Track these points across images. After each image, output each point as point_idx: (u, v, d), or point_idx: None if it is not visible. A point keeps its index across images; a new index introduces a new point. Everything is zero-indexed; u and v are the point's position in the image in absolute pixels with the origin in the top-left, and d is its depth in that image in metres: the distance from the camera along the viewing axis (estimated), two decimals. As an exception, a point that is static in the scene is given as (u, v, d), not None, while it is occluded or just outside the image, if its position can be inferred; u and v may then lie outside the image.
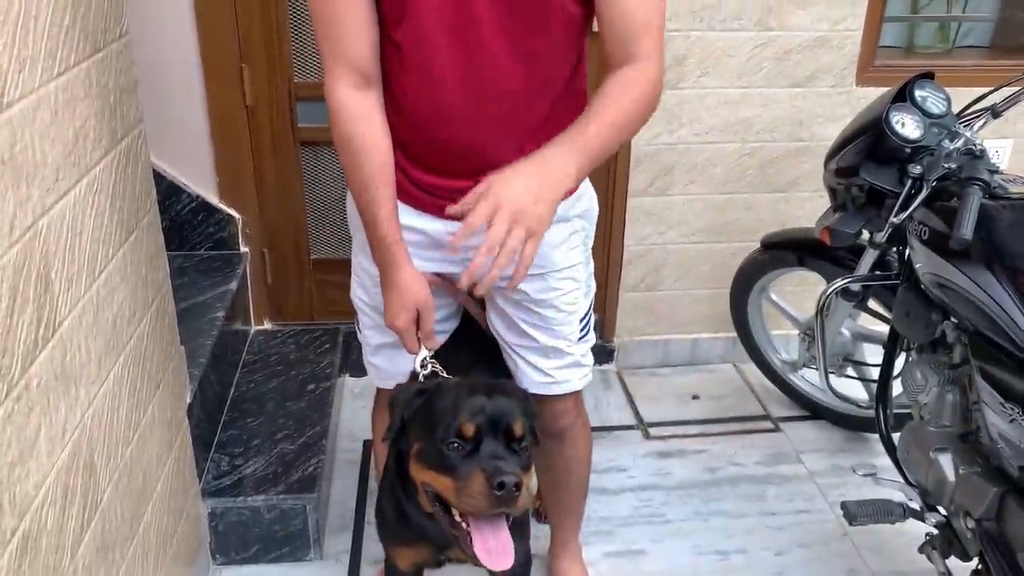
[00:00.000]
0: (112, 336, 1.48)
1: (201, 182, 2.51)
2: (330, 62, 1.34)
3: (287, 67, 2.42)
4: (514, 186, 1.18)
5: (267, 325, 2.72)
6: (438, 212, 1.44)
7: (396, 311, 1.44)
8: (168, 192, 2.45)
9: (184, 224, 2.53)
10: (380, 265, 1.44)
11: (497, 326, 1.62)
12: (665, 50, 2.43)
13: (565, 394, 1.66)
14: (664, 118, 2.51)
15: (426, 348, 1.45)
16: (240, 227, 2.57)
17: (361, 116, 1.36)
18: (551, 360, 1.61)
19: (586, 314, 1.63)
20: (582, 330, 1.63)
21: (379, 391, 1.79)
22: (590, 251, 1.63)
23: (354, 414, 2.58)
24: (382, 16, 1.33)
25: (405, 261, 1.43)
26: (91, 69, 1.41)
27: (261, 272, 2.66)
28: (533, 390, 1.59)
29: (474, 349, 1.65)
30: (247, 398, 2.37)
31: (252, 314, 2.69)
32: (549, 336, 1.58)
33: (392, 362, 1.63)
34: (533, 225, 1.17)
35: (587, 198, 1.58)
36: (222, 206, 2.54)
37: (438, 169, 1.43)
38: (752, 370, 2.75)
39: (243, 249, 2.60)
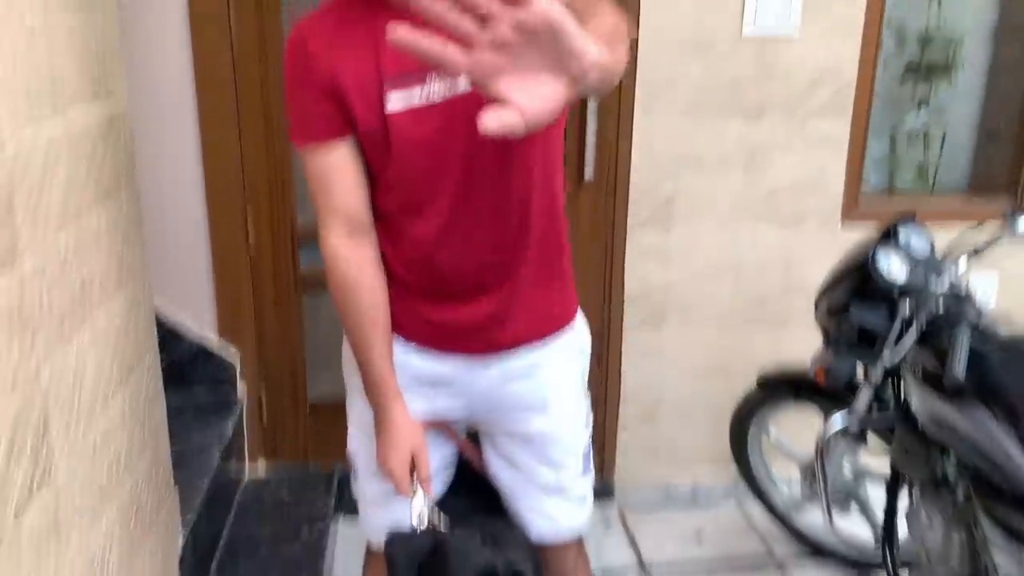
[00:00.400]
0: (107, 482, 1.47)
1: (202, 324, 2.54)
2: (323, 213, 1.40)
3: (291, 209, 2.50)
4: None
5: (262, 467, 2.69)
6: (440, 347, 1.48)
7: (387, 452, 1.44)
8: (169, 334, 2.47)
9: (183, 366, 2.54)
10: (374, 407, 1.46)
11: (498, 469, 1.60)
12: (653, 193, 2.52)
13: (567, 543, 1.63)
14: (656, 258, 2.58)
15: (424, 495, 1.43)
16: (238, 369, 2.58)
17: (353, 261, 1.41)
18: (553, 499, 1.59)
19: (586, 447, 1.63)
20: (584, 464, 1.62)
21: (369, 552, 1.72)
22: (586, 382, 1.64)
23: (348, 559, 2.51)
24: (369, 164, 1.39)
25: (398, 402, 1.44)
26: (100, 219, 1.46)
27: (257, 414, 2.65)
28: (541, 539, 1.57)
29: (472, 495, 1.63)
30: (240, 542, 2.31)
31: (247, 456, 2.66)
32: (552, 471, 1.57)
33: (390, 513, 1.56)
34: None
35: (583, 332, 1.61)
36: (222, 348, 2.56)
37: (439, 298, 1.46)
38: (756, 509, 2.70)
39: (240, 391, 2.60)
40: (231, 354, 2.57)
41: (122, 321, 1.56)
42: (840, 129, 2.52)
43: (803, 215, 2.58)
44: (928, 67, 2.75)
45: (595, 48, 0.90)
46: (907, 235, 1.95)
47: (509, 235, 1.42)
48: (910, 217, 2.02)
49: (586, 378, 1.64)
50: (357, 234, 1.41)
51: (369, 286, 1.42)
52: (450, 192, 1.36)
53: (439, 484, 1.59)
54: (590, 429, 1.65)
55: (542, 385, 1.52)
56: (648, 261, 2.58)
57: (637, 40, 2.38)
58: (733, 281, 2.63)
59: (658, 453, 2.78)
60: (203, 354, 2.55)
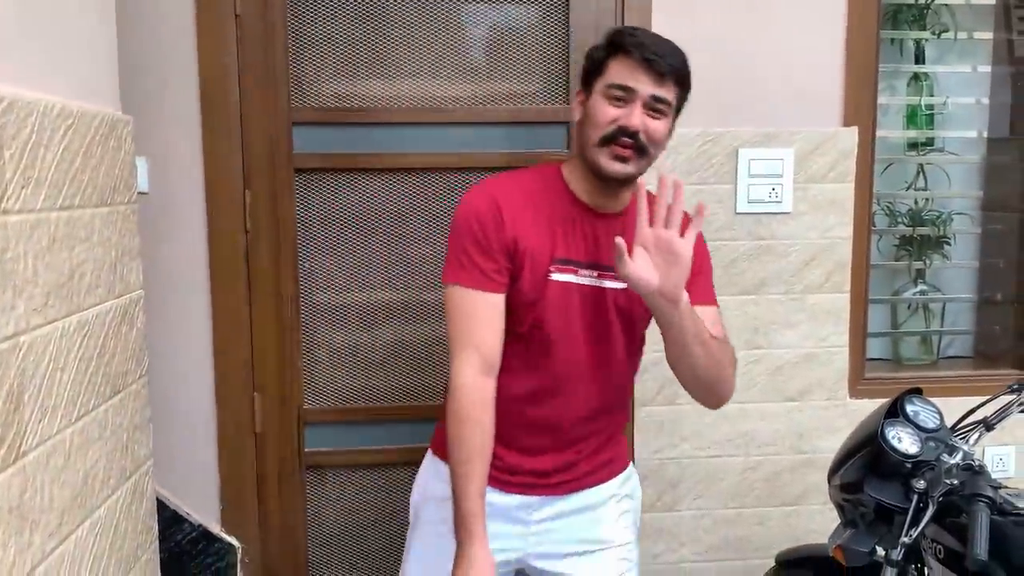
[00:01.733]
0: None
1: (204, 510, 2.49)
2: (460, 347, 1.57)
3: (298, 394, 2.51)
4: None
5: (261, 663, 2.56)
6: (512, 489, 1.68)
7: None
8: (170, 521, 2.42)
9: (183, 554, 2.47)
10: (458, 539, 1.53)
11: None
12: (660, 369, 2.52)
13: None
14: (665, 432, 2.55)
15: None
16: (240, 556, 2.51)
17: (478, 397, 1.56)
18: None
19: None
20: None
21: None
22: (639, 532, 1.83)
23: None
24: (512, 307, 1.62)
25: (483, 538, 1.53)
26: (108, 411, 1.47)
27: (258, 604, 2.55)
28: None
29: None
30: None
31: (246, 652, 2.53)
32: None
33: None
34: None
35: (635, 480, 1.84)
36: (223, 535, 2.50)
37: (521, 448, 1.66)
38: None
39: (241, 580, 2.51)
40: (233, 540, 2.50)
41: (123, 512, 1.53)
42: (840, 303, 2.56)
43: (810, 388, 2.58)
44: (921, 241, 2.83)
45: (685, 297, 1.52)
46: (915, 409, 1.94)
47: (606, 399, 1.69)
48: (916, 391, 2.01)
49: (638, 527, 1.83)
50: (486, 374, 1.57)
51: (488, 425, 1.56)
52: (571, 358, 1.63)
53: None
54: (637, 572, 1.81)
55: (598, 527, 1.72)
56: (659, 435, 2.55)
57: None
58: (744, 456, 2.59)
59: (677, 641, 2.64)
60: (204, 541, 2.48)
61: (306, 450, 2.54)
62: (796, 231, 2.51)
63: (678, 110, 1.64)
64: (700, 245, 1.65)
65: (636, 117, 1.54)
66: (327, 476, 2.59)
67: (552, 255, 1.61)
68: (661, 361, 2.50)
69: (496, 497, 1.66)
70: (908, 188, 2.82)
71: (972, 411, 1.98)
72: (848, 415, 2.54)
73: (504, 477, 1.67)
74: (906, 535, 1.72)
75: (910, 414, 1.92)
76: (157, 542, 1.75)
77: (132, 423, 1.58)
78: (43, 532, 1.21)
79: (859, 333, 2.60)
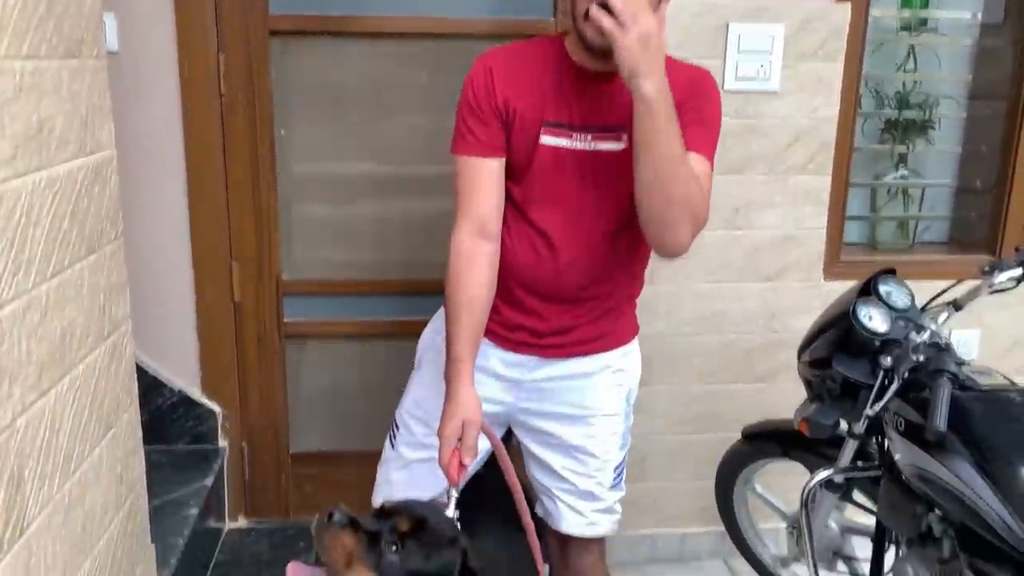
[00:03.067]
0: (81, 538, 1.44)
1: (184, 376, 2.52)
2: (459, 214, 1.64)
3: (276, 264, 2.50)
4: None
5: (241, 522, 2.65)
6: (509, 346, 1.74)
7: (445, 422, 1.57)
8: (150, 386, 2.45)
9: (164, 418, 2.52)
10: (447, 380, 1.61)
11: (535, 472, 1.84)
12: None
13: (595, 538, 1.86)
14: (641, 311, 2.58)
15: (466, 462, 1.54)
16: (220, 421, 2.56)
17: (469, 255, 1.63)
18: (588, 503, 1.82)
19: (620, 464, 1.85)
20: (615, 479, 1.84)
21: None
22: (631, 407, 1.86)
23: (329, 618, 2.46)
24: (507, 171, 1.64)
25: (468, 381, 1.60)
26: (84, 270, 1.46)
27: (239, 467, 2.61)
28: (569, 531, 1.83)
29: (494, 502, 1.68)
30: (217, 602, 2.26)
31: (227, 511, 2.62)
32: (585, 481, 1.80)
33: (412, 481, 1.76)
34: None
35: (636, 356, 1.87)
36: (203, 400, 2.54)
37: (519, 305, 1.70)
38: (743, 565, 2.66)
39: (221, 444, 2.57)
40: (213, 406, 2.54)
41: (102, 372, 1.54)
42: (821, 185, 2.56)
43: (786, 269, 2.61)
44: (906, 125, 2.80)
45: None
46: (887, 289, 1.97)
47: (604, 267, 1.69)
48: (890, 271, 2.03)
49: (631, 402, 1.86)
50: (481, 237, 1.63)
51: (476, 279, 1.62)
52: (566, 223, 1.64)
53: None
54: (625, 452, 1.87)
55: (588, 395, 1.77)
56: (633, 314, 2.58)
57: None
58: (718, 334, 2.64)
59: (644, 508, 2.75)
60: (185, 405, 2.52)
61: (285, 320, 2.55)
62: (783, 110, 2.48)
63: None
64: (707, 92, 1.64)
65: None
66: (306, 346, 2.62)
67: (542, 118, 1.60)
68: (640, 239, 2.52)
69: (493, 352, 1.73)
70: (898, 70, 2.78)
71: (943, 292, 2.01)
72: (822, 296, 2.57)
73: (503, 332, 1.72)
74: (870, 409, 1.77)
75: (882, 293, 1.95)
76: (137, 404, 1.76)
77: (109, 284, 1.57)
78: (22, 385, 1.22)
79: (838, 216, 2.61)
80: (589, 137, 1.61)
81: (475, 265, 1.63)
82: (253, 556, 2.49)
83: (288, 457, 2.65)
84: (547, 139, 1.61)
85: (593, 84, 1.60)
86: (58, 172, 1.36)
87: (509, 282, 1.69)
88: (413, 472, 1.80)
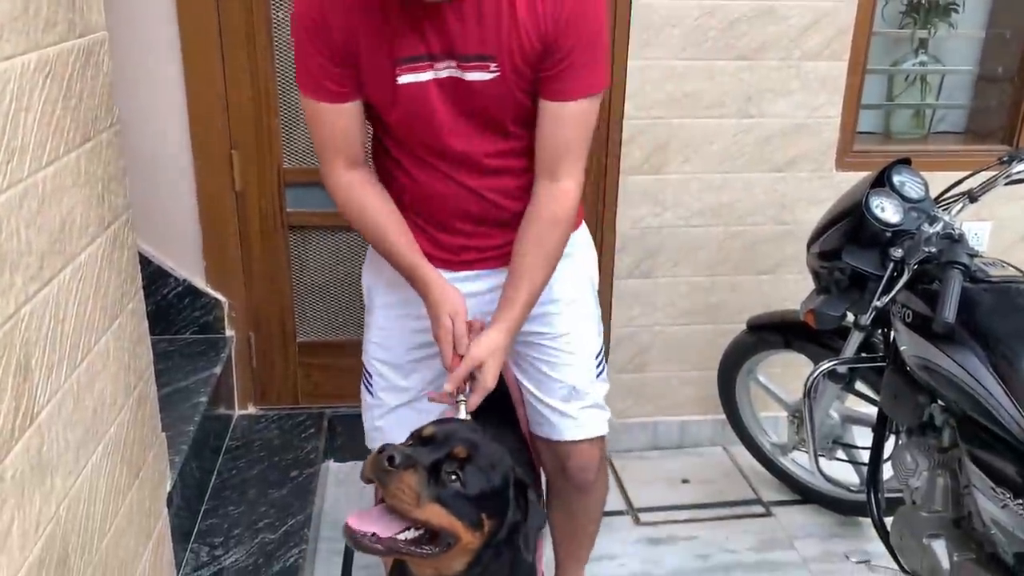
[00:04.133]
0: (91, 425, 1.46)
1: (188, 266, 2.51)
2: (324, 153, 1.56)
3: (277, 153, 2.45)
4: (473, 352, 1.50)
5: (251, 410, 2.69)
6: (459, 267, 1.64)
7: (434, 323, 1.54)
8: (154, 276, 2.45)
9: (170, 308, 2.52)
10: (418, 292, 1.57)
11: (518, 374, 1.76)
12: (647, 137, 2.49)
13: (591, 439, 1.76)
14: (648, 202, 2.55)
15: (460, 351, 1.51)
16: (226, 311, 2.56)
17: (355, 185, 1.56)
18: (572, 403, 1.72)
19: (599, 353, 1.76)
20: (598, 367, 1.76)
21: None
22: (595, 289, 1.78)
23: (337, 501, 2.53)
24: (370, 107, 1.53)
25: (435, 278, 1.56)
26: (80, 158, 1.42)
27: (246, 356, 2.64)
28: (558, 436, 1.74)
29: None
30: (229, 485, 2.32)
31: (236, 399, 2.66)
32: (567, 374, 1.71)
33: (401, 424, 1.65)
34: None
35: (581, 241, 1.73)
36: (208, 290, 2.54)
37: (438, 225, 1.62)
38: (742, 453, 2.72)
39: (228, 333, 2.58)
40: (219, 296, 2.55)
41: (105, 261, 1.53)
42: (837, 71, 2.48)
43: (797, 159, 2.55)
44: (928, 8, 2.69)
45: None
46: (901, 180, 1.93)
47: (507, 186, 1.57)
48: (904, 162, 1.99)
49: (595, 285, 1.78)
50: (354, 166, 1.56)
51: (372, 195, 1.57)
52: (449, 153, 1.53)
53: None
54: (602, 338, 1.78)
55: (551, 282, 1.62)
56: (642, 204, 2.55)
57: (631, -23, 2.32)
58: (725, 226, 2.61)
59: (647, 397, 2.79)
60: (190, 296, 2.52)
61: (287, 210, 2.53)
62: (800, -7, 2.38)
63: None
64: (578, 5, 1.41)
65: None
66: (309, 235, 2.60)
67: (394, 56, 1.43)
68: (649, 128, 2.47)
69: (446, 276, 1.61)
70: (923, -51, 2.65)
71: (958, 183, 1.97)
72: (833, 187, 2.53)
73: (448, 256, 1.63)
74: (878, 300, 1.77)
75: (896, 184, 1.91)
76: (142, 293, 1.76)
77: (107, 172, 1.54)
78: (24, 274, 1.21)
79: (852, 104, 2.54)
80: (454, 64, 1.44)
81: (366, 189, 1.56)
82: (264, 442, 2.54)
83: (295, 345, 2.67)
84: (406, 77, 1.45)
85: (449, 7, 1.39)
86: (48, 54, 1.30)
87: (439, 214, 1.60)
88: (400, 416, 1.72)
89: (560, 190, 1.52)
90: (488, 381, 1.49)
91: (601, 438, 1.80)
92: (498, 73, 1.44)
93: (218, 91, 2.35)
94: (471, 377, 1.50)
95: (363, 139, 1.56)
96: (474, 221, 1.60)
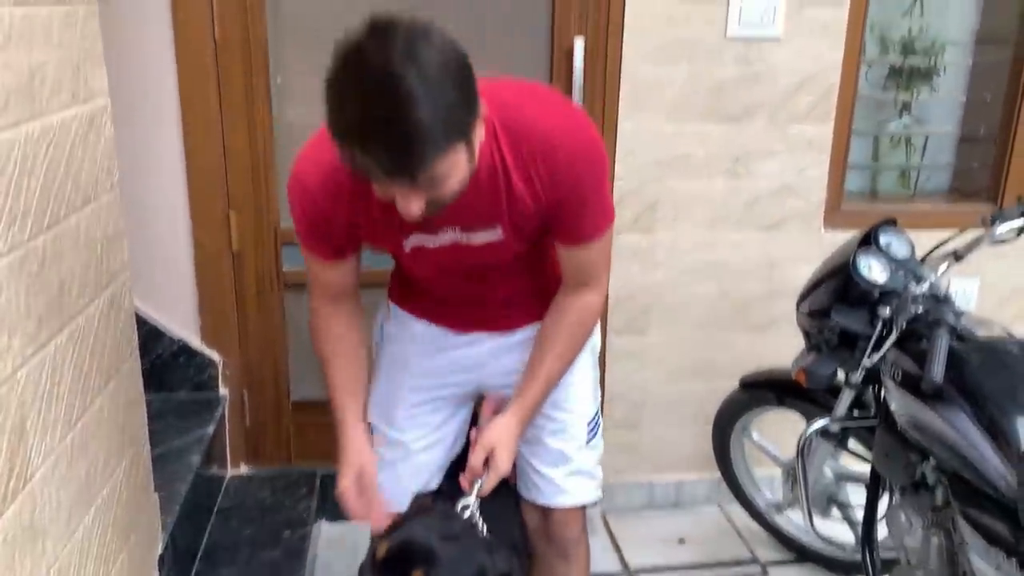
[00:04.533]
0: (84, 487, 1.46)
1: (184, 325, 2.52)
2: (314, 289, 1.63)
3: (274, 212, 2.49)
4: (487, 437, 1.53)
5: (243, 469, 2.68)
6: (461, 329, 1.69)
7: (340, 479, 1.57)
8: (150, 335, 2.46)
9: (164, 367, 2.53)
10: (337, 437, 1.61)
11: None
12: (637, 197, 2.53)
13: (573, 507, 1.74)
14: (639, 260, 2.58)
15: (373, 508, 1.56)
16: (220, 369, 2.57)
17: (326, 316, 1.64)
18: (560, 468, 1.71)
19: (594, 417, 1.75)
20: (590, 432, 1.74)
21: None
22: (596, 357, 1.78)
23: (329, 563, 2.50)
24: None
25: (352, 436, 1.60)
26: (80, 221, 1.45)
27: (240, 414, 2.63)
28: (542, 501, 1.73)
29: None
30: (221, 546, 2.30)
31: (229, 458, 2.64)
32: (557, 439, 1.70)
33: (400, 480, 1.70)
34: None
35: None
36: (204, 348, 2.54)
37: (462, 308, 1.68)
38: (738, 511, 2.71)
39: (222, 391, 2.58)
40: (213, 355, 2.55)
41: (102, 323, 1.54)
42: (823, 133, 2.53)
43: (786, 219, 2.60)
44: (910, 72, 2.77)
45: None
46: (887, 240, 1.96)
47: (511, 294, 1.66)
48: (890, 222, 2.03)
49: (596, 352, 1.78)
50: (336, 302, 1.63)
51: (336, 334, 1.64)
52: (453, 291, 1.64)
53: (442, 450, 1.75)
54: (598, 404, 1.78)
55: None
56: (633, 263, 2.58)
57: (621, 42, 2.38)
58: (716, 284, 2.64)
59: (642, 455, 2.79)
60: (185, 355, 2.53)
61: (284, 269, 2.55)
62: (785, 57, 2.44)
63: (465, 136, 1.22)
64: (574, 168, 1.39)
65: (413, 206, 1.24)
66: (305, 295, 2.61)
67: (400, 230, 1.45)
68: (639, 188, 2.51)
69: (450, 335, 1.68)
70: (904, 15, 2.73)
71: (944, 243, 2.01)
72: (822, 246, 2.56)
73: (453, 321, 1.68)
74: (868, 359, 1.78)
75: (883, 243, 1.94)
76: (138, 353, 1.77)
77: (106, 234, 1.56)
78: (22, 337, 1.22)
79: (839, 164, 2.59)
80: (458, 229, 1.45)
81: (331, 322, 1.63)
82: (256, 502, 2.52)
83: (289, 404, 2.67)
84: (411, 241, 1.48)
85: None
86: (51, 121, 1.34)
87: (452, 305, 1.67)
88: (397, 471, 1.72)
89: (584, 302, 1.57)
90: (501, 466, 1.50)
91: (582, 511, 1.79)
92: (503, 236, 1.46)
93: (217, 153, 2.39)
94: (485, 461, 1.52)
95: (354, 282, 1.62)
96: (485, 306, 1.66)
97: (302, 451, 2.70)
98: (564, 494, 1.72)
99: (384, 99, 1.11)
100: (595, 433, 1.76)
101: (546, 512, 1.75)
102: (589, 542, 1.85)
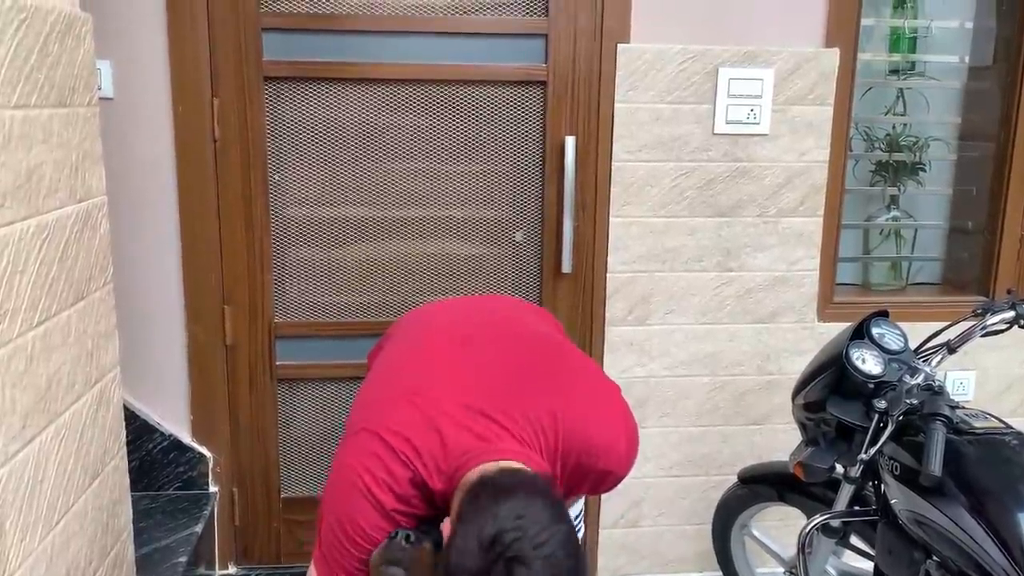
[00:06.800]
0: (63, 589, 1.42)
1: (175, 421, 2.50)
2: None
3: (268, 307, 2.50)
4: None
5: (232, 570, 2.61)
6: None
7: None
8: (140, 431, 2.43)
9: (154, 464, 2.49)
10: None
11: None
12: (630, 289, 2.55)
13: None
14: (634, 352, 2.58)
15: None
16: (211, 466, 2.53)
17: None
18: None
19: (580, 513, 1.71)
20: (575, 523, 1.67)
21: None
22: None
23: (319, 668, 2.41)
24: None
25: None
26: (71, 317, 1.45)
27: (229, 513, 2.58)
28: None
29: None
30: (205, 652, 2.22)
31: (217, 558, 2.58)
32: None
33: None
34: None
35: None
36: (194, 445, 2.51)
37: None
38: (740, 612, 2.62)
39: (212, 489, 2.54)
40: (204, 451, 2.52)
41: (89, 419, 1.53)
42: (813, 227, 2.57)
43: (779, 310, 2.61)
44: (897, 167, 2.82)
45: None
46: (880, 331, 1.96)
47: None
48: (883, 313, 2.03)
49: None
50: None
51: None
52: None
53: None
54: (581, 505, 1.72)
55: None
56: (628, 356, 2.58)
57: (612, 139, 2.44)
58: (711, 376, 2.63)
59: (640, 554, 2.72)
60: (175, 451, 2.50)
61: (277, 363, 2.54)
62: (773, 153, 2.50)
63: None
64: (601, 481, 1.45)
65: None
66: (297, 388, 2.60)
67: None
68: (632, 281, 2.53)
69: None
70: (887, 113, 2.80)
71: (936, 334, 2.01)
72: (816, 338, 2.57)
73: None
74: (865, 452, 1.76)
75: (875, 336, 1.94)
76: (125, 450, 1.75)
77: (97, 330, 1.56)
78: (5, 434, 1.21)
79: (830, 257, 2.62)
80: None
81: None
82: (243, 604, 2.45)
83: (280, 502, 2.62)
84: None
85: None
86: (47, 220, 1.35)
87: None
88: None
89: None
90: None
91: None
92: None
93: (213, 248, 2.42)
94: None
95: None
96: None
97: (292, 550, 2.64)
98: None
99: None
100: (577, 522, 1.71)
101: None
102: None
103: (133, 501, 1.81)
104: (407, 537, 1.19)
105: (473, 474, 1.28)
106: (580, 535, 1.72)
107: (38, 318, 1.32)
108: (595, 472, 1.39)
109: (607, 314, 2.55)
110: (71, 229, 1.45)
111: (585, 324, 2.57)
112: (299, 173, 2.46)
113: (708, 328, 2.59)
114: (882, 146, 2.81)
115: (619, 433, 1.41)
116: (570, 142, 2.42)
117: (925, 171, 2.83)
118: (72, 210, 1.45)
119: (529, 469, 1.29)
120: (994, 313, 1.90)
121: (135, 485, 1.81)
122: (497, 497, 1.18)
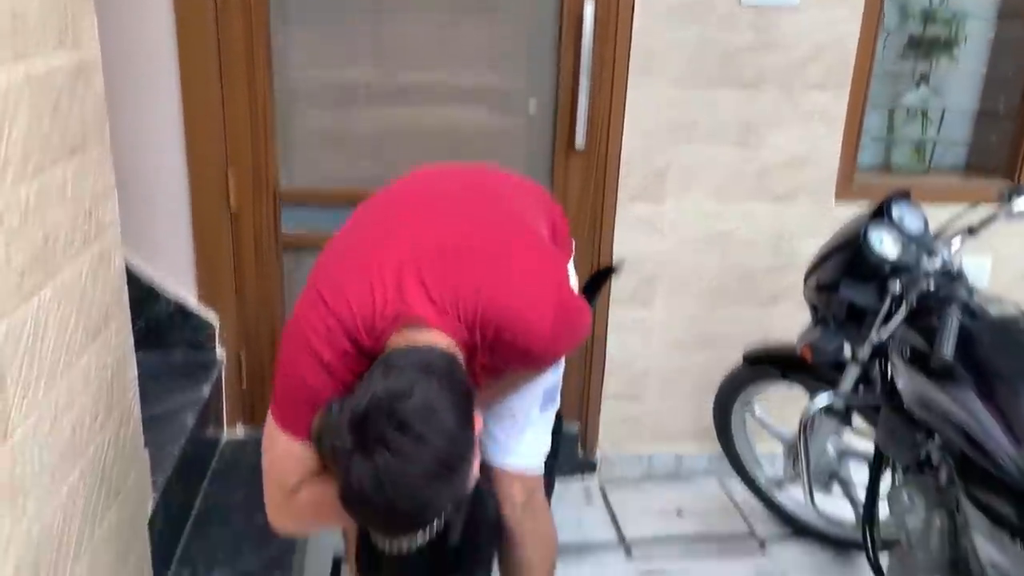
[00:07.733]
0: (69, 445, 1.43)
1: (181, 285, 2.49)
2: (274, 489, 1.50)
3: (273, 172, 2.44)
4: None
5: (239, 431, 2.66)
6: None
7: None
8: (146, 294, 2.42)
9: (160, 326, 2.50)
10: None
11: None
12: (645, 165, 2.48)
13: (511, 474, 1.69)
14: (645, 230, 2.53)
15: None
16: (217, 330, 2.54)
17: (292, 495, 1.48)
18: (505, 426, 1.67)
19: (553, 386, 1.70)
20: (545, 395, 1.69)
21: None
22: (559, 374, 1.72)
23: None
24: None
25: None
26: (67, 173, 1.40)
27: (236, 376, 2.61)
28: (488, 460, 1.67)
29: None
30: (213, 508, 2.28)
31: (224, 420, 2.62)
32: (510, 400, 1.65)
33: None
34: None
35: None
36: (200, 309, 2.51)
37: None
38: (737, 485, 2.68)
39: (219, 352, 2.55)
40: (210, 315, 2.52)
41: (89, 279, 1.51)
42: (837, 104, 2.47)
43: (796, 190, 2.54)
44: (930, 43, 2.69)
45: None
46: (900, 213, 1.91)
47: None
48: (904, 195, 1.97)
49: (560, 373, 1.71)
50: (292, 494, 1.47)
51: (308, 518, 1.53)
52: None
53: None
54: (560, 371, 1.71)
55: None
56: (638, 232, 2.53)
57: (633, 6, 2.32)
58: (722, 255, 2.59)
59: (641, 427, 2.76)
60: (181, 314, 2.50)
61: (282, 231, 2.51)
62: (801, 25, 2.37)
63: None
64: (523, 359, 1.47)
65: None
66: (304, 257, 2.57)
67: None
68: (646, 156, 2.45)
69: None
70: (925, -16, 2.65)
71: (957, 217, 1.95)
72: (833, 219, 2.50)
73: None
74: (876, 335, 1.74)
75: (895, 217, 1.89)
76: (128, 311, 1.73)
77: (94, 189, 1.52)
78: (3, 290, 1.18)
79: (853, 136, 2.53)
80: None
81: (298, 512, 1.51)
82: (251, 465, 2.48)
83: (286, 368, 2.64)
84: None
85: None
86: (36, 66, 1.29)
87: None
88: None
89: None
90: None
91: (527, 478, 1.72)
92: None
93: (215, 110, 2.34)
94: None
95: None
96: None
97: (299, 415, 2.68)
98: (504, 453, 1.68)
99: (406, 513, 1.21)
100: (551, 399, 1.72)
101: (492, 472, 1.69)
102: (546, 527, 1.80)
103: (140, 363, 1.81)
104: (341, 408, 1.18)
105: (394, 340, 1.33)
106: (554, 408, 1.74)
107: (31, 171, 1.27)
108: (515, 349, 1.40)
109: (620, 190, 2.48)
110: (63, 80, 1.38)
111: (597, 200, 2.50)
112: (303, 33, 2.36)
113: (722, 206, 2.53)
114: (917, 19, 2.67)
115: (545, 315, 1.39)
116: (588, 9, 2.30)
117: (960, 48, 2.69)
118: (62, 59, 1.39)
119: (439, 347, 1.31)
120: (1020, 197, 1.84)
121: (142, 347, 1.81)
122: (386, 375, 1.21)
